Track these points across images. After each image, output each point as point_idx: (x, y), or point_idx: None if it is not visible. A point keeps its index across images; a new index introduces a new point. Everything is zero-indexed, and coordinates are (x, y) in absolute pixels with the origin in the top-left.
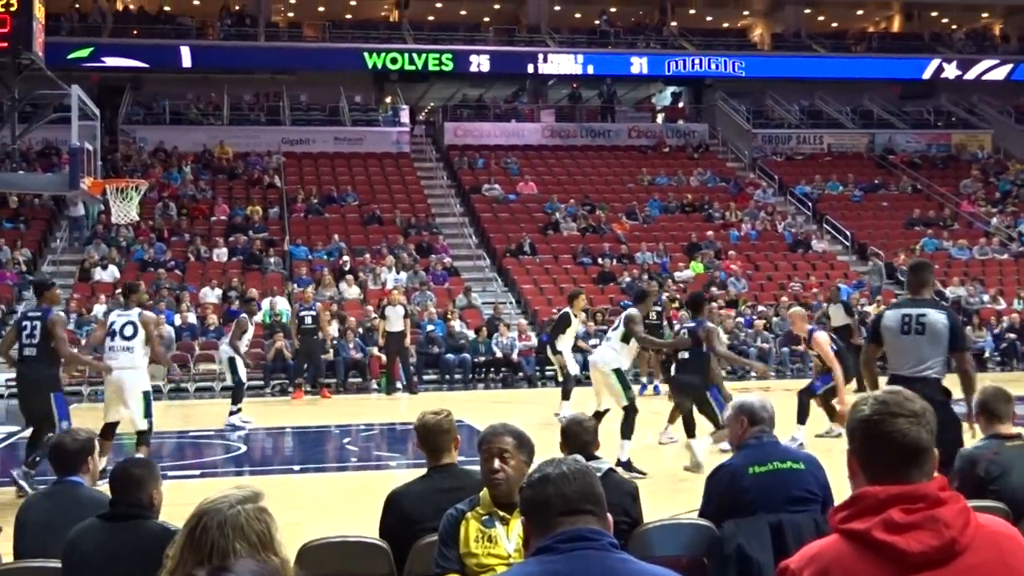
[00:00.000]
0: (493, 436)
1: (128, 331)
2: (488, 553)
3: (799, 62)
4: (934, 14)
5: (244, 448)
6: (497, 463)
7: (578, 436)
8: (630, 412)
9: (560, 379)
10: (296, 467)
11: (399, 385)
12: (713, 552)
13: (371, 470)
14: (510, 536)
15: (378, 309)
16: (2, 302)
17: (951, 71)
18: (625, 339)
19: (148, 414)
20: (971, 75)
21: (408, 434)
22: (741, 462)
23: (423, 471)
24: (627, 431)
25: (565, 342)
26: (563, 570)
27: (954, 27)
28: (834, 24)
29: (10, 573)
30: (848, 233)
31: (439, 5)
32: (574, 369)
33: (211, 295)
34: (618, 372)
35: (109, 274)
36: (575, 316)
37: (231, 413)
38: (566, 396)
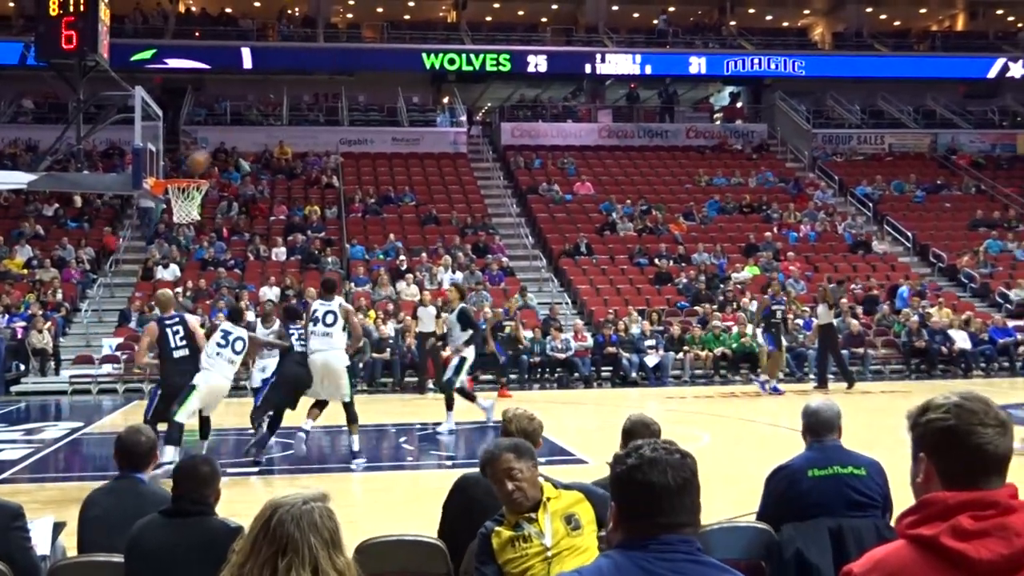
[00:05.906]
0: (493, 461)
1: (329, 319)
2: (526, 552)
3: (860, 61)
4: (999, 12)
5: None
6: (510, 484)
7: (641, 436)
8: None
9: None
10: (353, 465)
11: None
12: (772, 556)
13: (428, 469)
14: (544, 530)
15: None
16: (66, 299)
17: (1017, 70)
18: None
19: (352, 386)
20: None
21: (465, 433)
22: (801, 464)
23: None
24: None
25: None
26: (656, 570)
27: (1020, 25)
28: (897, 23)
29: (75, 567)
30: (910, 234)
31: (497, 5)
32: None
33: (270, 294)
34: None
35: (170, 273)
36: None
37: None
38: None
